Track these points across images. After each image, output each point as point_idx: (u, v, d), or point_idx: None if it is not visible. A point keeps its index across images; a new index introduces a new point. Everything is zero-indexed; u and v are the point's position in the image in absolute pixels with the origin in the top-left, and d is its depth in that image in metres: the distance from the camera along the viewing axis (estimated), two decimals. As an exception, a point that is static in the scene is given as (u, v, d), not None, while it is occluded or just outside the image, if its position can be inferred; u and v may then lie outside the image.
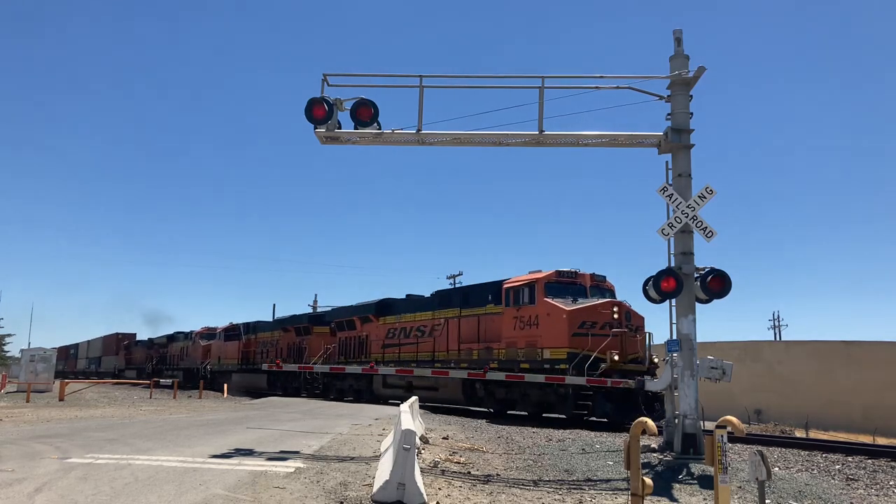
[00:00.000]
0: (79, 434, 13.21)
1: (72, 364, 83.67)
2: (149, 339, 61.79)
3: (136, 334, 68.01)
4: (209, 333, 46.49)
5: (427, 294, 25.64)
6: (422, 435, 12.41)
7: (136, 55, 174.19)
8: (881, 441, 12.61)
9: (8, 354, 76.78)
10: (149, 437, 12.64)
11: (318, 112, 11.27)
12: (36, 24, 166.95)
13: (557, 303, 17.92)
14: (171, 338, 54.94)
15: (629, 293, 39.97)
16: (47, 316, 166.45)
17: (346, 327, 29.41)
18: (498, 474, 9.34)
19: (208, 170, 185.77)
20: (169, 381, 45.63)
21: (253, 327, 40.01)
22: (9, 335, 78.51)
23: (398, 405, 12.96)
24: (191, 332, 50.24)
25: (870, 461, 10.68)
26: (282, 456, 10.30)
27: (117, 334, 67.69)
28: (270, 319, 43.32)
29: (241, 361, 39.31)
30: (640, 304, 18.92)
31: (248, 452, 10.56)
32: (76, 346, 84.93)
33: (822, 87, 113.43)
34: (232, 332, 42.32)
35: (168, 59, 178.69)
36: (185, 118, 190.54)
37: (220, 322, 54.07)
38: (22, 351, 44.84)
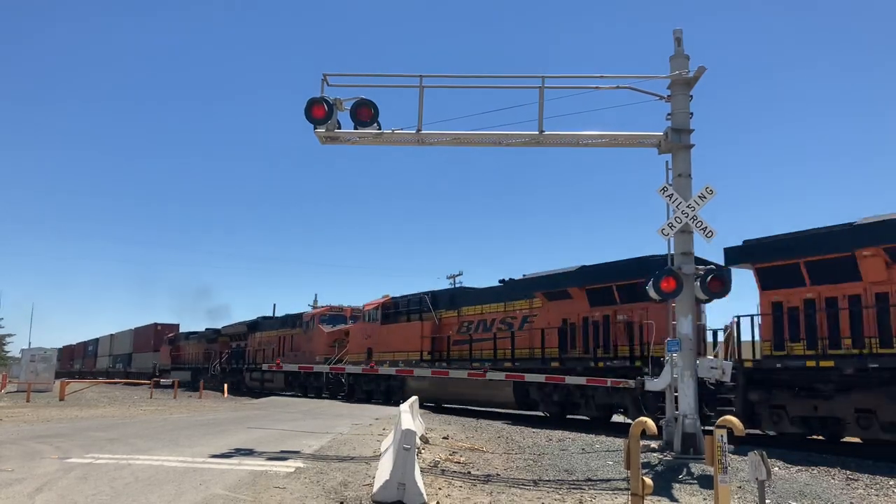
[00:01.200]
0: (79, 434, 13.22)
1: (90, 363, 72.82)
2: (209, 329, 47.29)
3: (178, 325, 56.08)
4: (336, 315, 31.78)
5: None
6: (422, 435, 12.41)
7: (136, 56, 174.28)
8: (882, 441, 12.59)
9: (8, 354, 75.69)
10: (149, 437, 12.65)
11: (318, 112, 11.27)
12: (37, 26, 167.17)
13: None
14: (254, 325, 38.74)
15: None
16: (51, 314, 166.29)
17: (817, 273, 12.73)
18: (498, 474, 9.34)
19: (207, 169, 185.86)
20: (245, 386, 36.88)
21: (450, 298, 23.87)
22: (9, 335, 77.07)
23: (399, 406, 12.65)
24: (298, 315, 34.26)
25: (870, 461, 10.67)
26: (282, 456, 10.31)
27: (155, 325, 55.20)
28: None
29: (431, 356, 23.02)
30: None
31: (249, 452, 10.57)
32: (95, 341, 73.24)
33: (823, 84, 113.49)
34: (404, 308, 25.21)
35: (168, 59, 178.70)
36: (184, 118, 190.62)
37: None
38: (22, 351, 44.97)
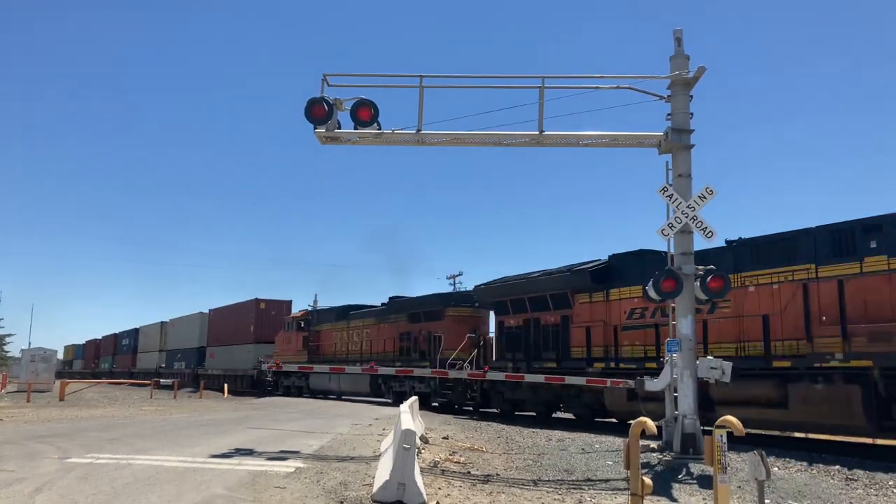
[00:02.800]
0: (79, 434, 13.23)
1: (125, 361, 58.35)
2: (414, 297, 26.76)
3: (291, 302, 38.75)
4: None
5: None
6: (422, 435, 12.42)
7: (136, 55, 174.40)
8: (881, 441, 12.59)
9: (8, 354, 75.01)
10: (149, 437, 12.66)
11: (318, 112, 11.28)
12: (36, 24, 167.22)
13: None
14: (605, 273, 17.40)
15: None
16: (52, 313, 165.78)
17: None
18: (498, 474, 9.35)
19: (206, 170, 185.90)
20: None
21: None
22: (9, 335, 76.13)
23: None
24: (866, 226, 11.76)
25: (869, 461, 10.68)
26: (282, 456, 10.32)
27: (257, 301, 37.74)
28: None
29: None
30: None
31: (249, 452, 10.58)
32: (133, 332, 58.28)
33: (823, 84, 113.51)
34: None
35: (168, 59, 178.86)
36: (184, 118, 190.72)
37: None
38: (22, 351, 44.94)
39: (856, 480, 9.22)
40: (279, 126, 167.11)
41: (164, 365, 50.52)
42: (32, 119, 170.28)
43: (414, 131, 11.72)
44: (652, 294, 11.19)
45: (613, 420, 16.79)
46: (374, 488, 7.16)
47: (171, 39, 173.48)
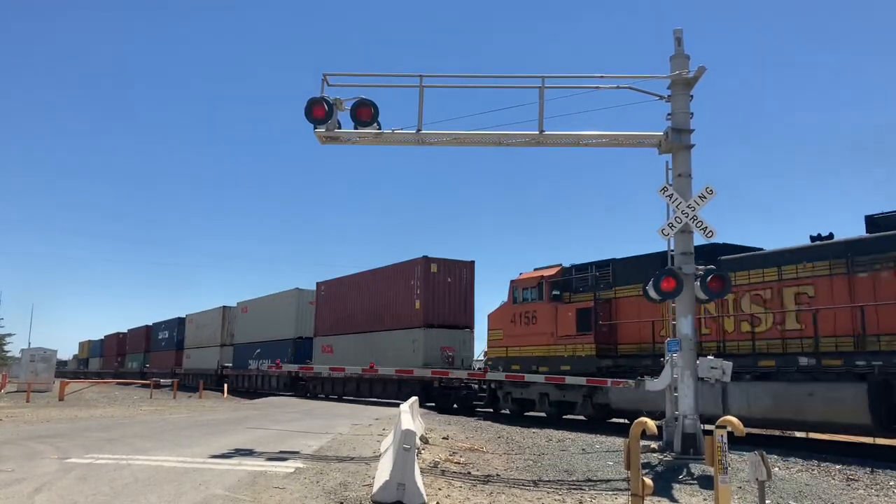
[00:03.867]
0: (79, 434, 13.21)
1: (165, 360, 48.46)
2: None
3: (473, 262, 25.93)
4: None
5: None
6: (422, 435, 12.40)
7: (136, 55, 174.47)
8: (881, 441, 12.60)
9: (8, 354, 74.64)
10: (148, 438, 12.64)
11: (318, 112, 11.26)
12: (35, 21, 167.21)
13: None
14: None
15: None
16: (52, 313, 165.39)
17: None
18: (498, 474, 9.33)
19: (206, 170, 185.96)
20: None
21: None
22: (9, 335, 75.68)
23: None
24: None
25: (870, 461, 10.66)
26: (281, 456, 10.31)
27: (426, 260, 24.80)
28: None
29: None
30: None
31: (248, 452, 10.57)
32: (176, 322, 48.15)
33: (824, 85, 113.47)
34: None
35: (168, 59, 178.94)
36: (184, 118, 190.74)
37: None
38: (22, 351, 44.86)
39: (857, 481, 9.21)
40: (279, 125, 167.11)
41: (230, 364, 38.44)
42: (32, 116, 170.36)
43: (414, 131, 11.70)
44: (652, 294, 11.17)
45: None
46: (374, 489, 7.15)
47: (173, 37, 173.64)
